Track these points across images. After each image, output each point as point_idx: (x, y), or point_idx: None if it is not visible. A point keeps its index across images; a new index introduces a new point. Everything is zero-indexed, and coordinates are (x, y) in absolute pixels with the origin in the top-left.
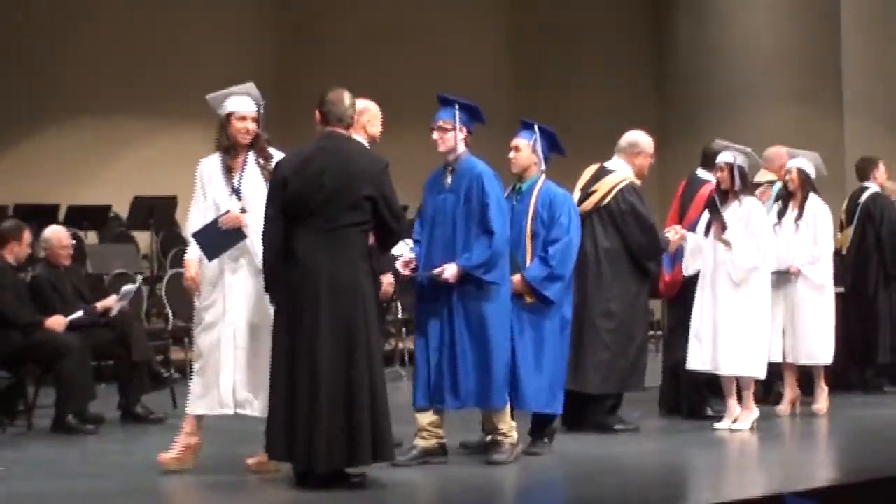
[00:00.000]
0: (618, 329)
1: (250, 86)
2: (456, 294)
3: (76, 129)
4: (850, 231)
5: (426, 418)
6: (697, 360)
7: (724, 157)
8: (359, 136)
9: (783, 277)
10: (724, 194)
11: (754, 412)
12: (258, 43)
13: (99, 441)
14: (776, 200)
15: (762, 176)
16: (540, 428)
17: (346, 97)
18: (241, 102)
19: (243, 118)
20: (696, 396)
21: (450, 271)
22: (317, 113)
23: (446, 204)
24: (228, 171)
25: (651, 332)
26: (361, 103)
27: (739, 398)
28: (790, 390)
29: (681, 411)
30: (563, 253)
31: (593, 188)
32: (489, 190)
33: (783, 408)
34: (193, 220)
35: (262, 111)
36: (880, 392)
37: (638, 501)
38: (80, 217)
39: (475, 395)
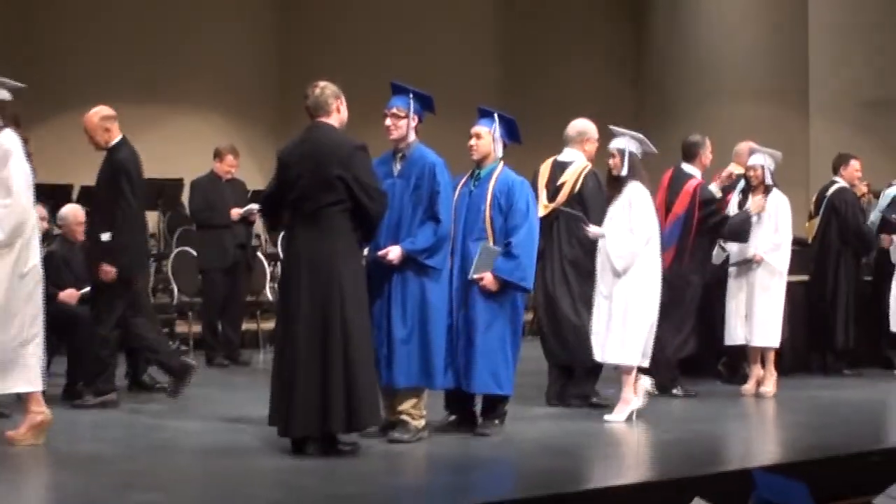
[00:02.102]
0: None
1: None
2: (398, 275)
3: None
4: (815, 222)
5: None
6: (598, 351)
7: (616, 144)
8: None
9: (745, 266)
10: (616, 180)
11: (631, 403)
12: (263, 34)
13: (106, 408)
14: (739, 193)
15: (733, 168)
16: (490, 409)
17: (318, 88)
18: None
19: None
20: (667, 375)
21: (394, 253)
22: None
23: (395, 189)
24: None
25: None
26: None
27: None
28: (754, 371)
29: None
30: (526, 240)
31: (560, 181)
32: (440, 179)
33: (748, 387)
34: None
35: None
36: (840, 375)
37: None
38: (91, 197)
39: (415, 374)
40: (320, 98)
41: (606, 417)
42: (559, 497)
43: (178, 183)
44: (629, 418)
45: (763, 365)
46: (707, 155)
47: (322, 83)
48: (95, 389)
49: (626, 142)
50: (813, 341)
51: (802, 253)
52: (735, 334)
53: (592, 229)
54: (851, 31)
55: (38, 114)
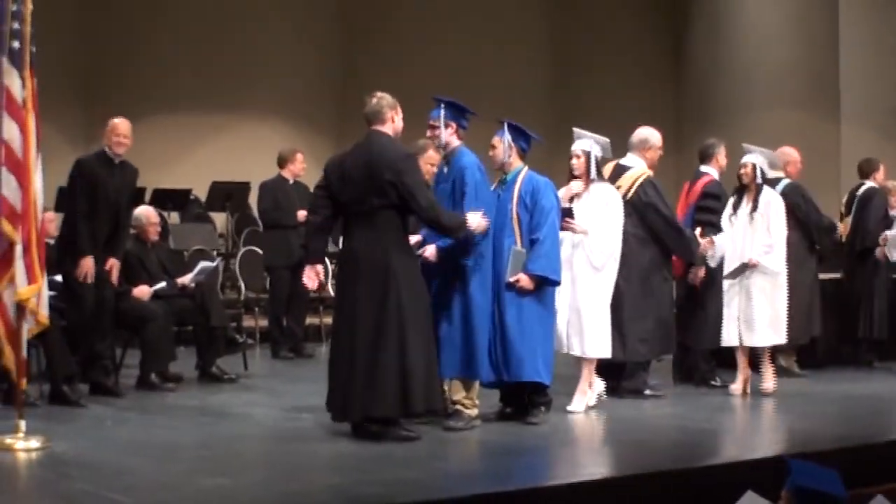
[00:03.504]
0: (651, 303)
1: None
2: (441, 272)
3: (162, 122)
4: (848, 220)
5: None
6: (562, 342)
7: (581, 146)
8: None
9: (740, 270)
10: (575, 179)
11: (587, 395)
12: (326, 44)
13: (178, 397)
14: (732, 194)
15: (771, 173)
16: (533, 399)
17: (375, 99)
18: None
19: None
20: (706, 366)
21: (429, 251)
22: None
23: (444, 193)
24: None
25: None
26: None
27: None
28: (743, 371)
29: (692, 379)
30: (550, 235)
31: (616, 184)
32: (468, 180)
33: (736, 387)
34: None
35: None
36: (870, 367)
37: (656, 459)
38: (164, 199)
39: (458, 365)
40: (377, 107)
41: (568, 408)
42: (610, 482)
43: (245, 186)
44: (588, 409)
45: (757, 363)
46: (722, 156)
47: (380, 94)
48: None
49: (590, 144)
50: (844, 336)
51: (836, 251)
52: (730, 337)
53: (576, 227)
54: (879, 46)
55: (109, 122)
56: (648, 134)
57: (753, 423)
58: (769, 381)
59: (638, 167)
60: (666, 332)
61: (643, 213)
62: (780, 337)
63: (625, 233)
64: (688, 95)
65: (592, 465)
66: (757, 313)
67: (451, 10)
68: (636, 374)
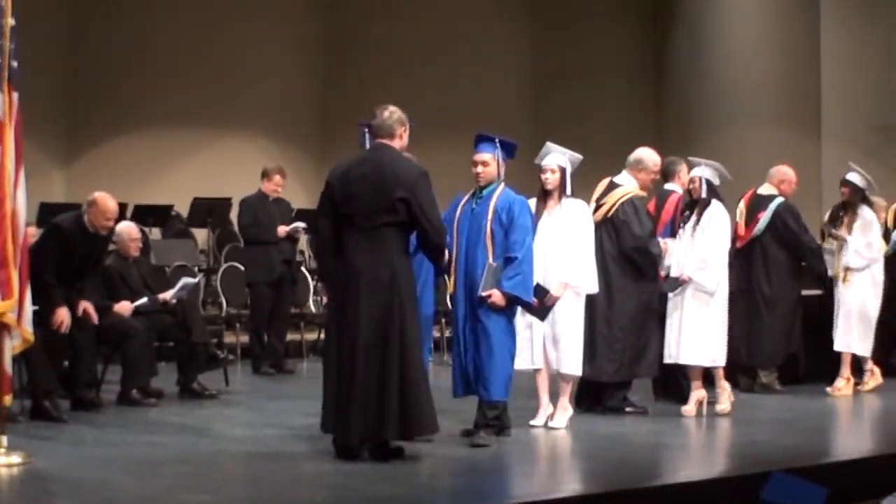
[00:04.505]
0: (626, 324)
1: None
2: None
3: (143, 138)
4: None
5: None
6: (524, 360)
7: (555, 160)
8: None
9: (672, 281)
10: (547, 194)
11: (569, 410)
12: (308, 60)
13: (159, 413)
14: (683, 210)
15: (766, 189)
16: (484, 418)
17: (387, 112)
18: None
19: None
20: (686, 383)
21: None
22: None
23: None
24: None
25: None
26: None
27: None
28: (694, 390)
29: (673, 396)
30: (527, 256)
31: (603, 200)
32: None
33: (688, 409)
34: None
35: None
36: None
37: (635, 475)
38: (145, 215)
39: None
40: (387, 121)
41: (551, 424)
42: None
43: (227, 202)
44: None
45: (706, 383)
46: (685, 174)
47: (391, 107)
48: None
49: (564, 160)
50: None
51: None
52: (670, 353)
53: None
54: (860, 61)
55: (91, 136)
56: (644, 155)
57: (734, 440)
58: (723, 401)
59: (627, 186)
60: (637, 354)
61: (619, 231)
62: (711, 358)
63: (604, 251)
64: (669, 110)
65: (574, 482)
66: (686, 331)
67: (432, 26)
68: (617, 390)
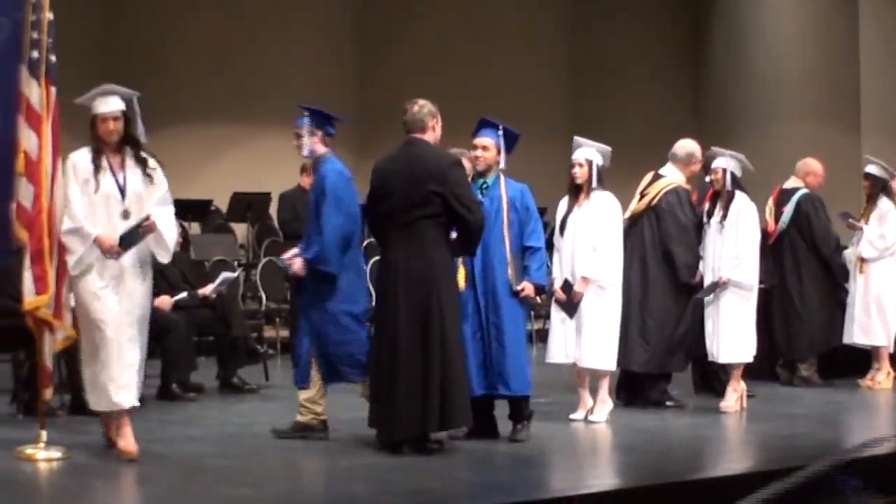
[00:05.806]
0: (661, 316)
1: (113, 86)
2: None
3: (184, 135)
4: None
5: (303, 394)
6: (560, 353)
7: (584, 154)
8: None
9: (711, 286)
10: (578, 189)
11: (608, 404)
12: (345, 55)
13: (199, 408)
14: (709, 201)
15: (791, 183)
16: (518, 412)
17: (416, 106)
18: (106, 103)
19: (105, 119)
20: (726, 377)
21: (297, 265)
22: None
23: (310, 201)
24: (111, 169)
25: None
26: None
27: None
28: (734, 387)
29: (713, 390)
30: (541, 244)
31: (647, 191)
32: (328, 189)
33: (727, 404)
34: (78, 210)
35: (138, 106)
36: None
37: (675, 469)
38: (185, 210)
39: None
40: (418, 115)
41: (591, 418)
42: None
43: (266, 197)
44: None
45: (726, 379)
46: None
47: (421, 101)
48: None
49: (592, 153)
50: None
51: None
52: (711, 352)
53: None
54: None
55: None
56: (689, 147)
57: (774, 433)
58: (729, 398)
59: (671, 177)
60: (671, 347)
61: (661, 219)
62: (742, 355)
63: (645, 242)
64: (707, 106)
65: (614, 475)
66: (724, 329)
67: (467, 20)
68: (657, 384)
